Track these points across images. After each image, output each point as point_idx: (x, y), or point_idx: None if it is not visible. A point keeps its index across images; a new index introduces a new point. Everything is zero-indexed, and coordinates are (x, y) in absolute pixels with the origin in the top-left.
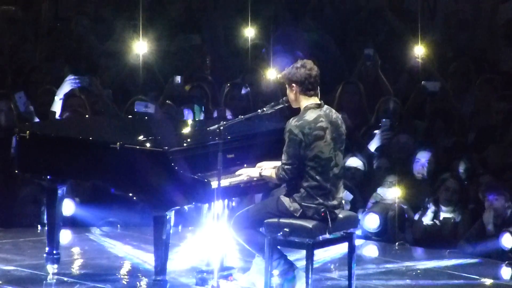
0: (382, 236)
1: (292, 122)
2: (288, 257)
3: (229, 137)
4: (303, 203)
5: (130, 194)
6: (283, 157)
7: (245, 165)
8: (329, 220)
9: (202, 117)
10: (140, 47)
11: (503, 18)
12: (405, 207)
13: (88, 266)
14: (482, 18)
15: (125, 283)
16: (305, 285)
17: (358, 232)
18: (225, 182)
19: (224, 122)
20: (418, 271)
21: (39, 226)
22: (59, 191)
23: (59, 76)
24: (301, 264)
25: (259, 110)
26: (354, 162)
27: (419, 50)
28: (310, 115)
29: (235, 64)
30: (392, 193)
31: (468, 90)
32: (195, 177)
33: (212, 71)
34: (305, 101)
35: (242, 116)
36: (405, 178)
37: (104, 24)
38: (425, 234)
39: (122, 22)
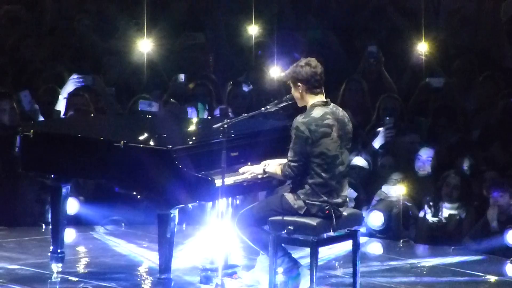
0: (386, 234)
1: (299, 119)
2: (293, 255)
3: (233, 135)
4: (307, 200)
5: (134, 193)
6: (289, 154)
7: (249, 163)
8: (334, 217)
9: (206, 115)
10: (144, 46)
11: (506, 15)
12: (409, 204)
13: (93, 264)
14: (485, 15)
15: (130, 281)
16: (310, 282)
17: (363, 229)
18: (229, 180)
19: (228, 120)
20: (423, 268)
21: (43, 225)
22: (63, 190)
23: (62, 75)
24: (306, 261)
25: (262, 108)
26: (359, 161)
27: (423, 47)
28: (317, 112)
29: (239, 62)
30: (396, 190)
31: (471, 87)
32: (199, 175)
33: (216, 69)
34: (312, 99)
35: (246, 114)
36: (410, 176)
37: (107, 22)
38: (429, 231)
39: (125, 20)
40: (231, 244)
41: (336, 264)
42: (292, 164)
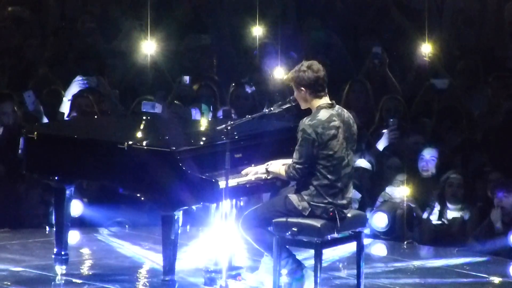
0: (390, 235)
1: (306, 122)
2: (297, 256)
3: (236, 137)
4: (312, 202)
5: (138, 194)
6: (295, 155)
7: (252, 165)
8: (338, 219)
9: (210, 116)
10: (148, 47)
11: (510, 15)
12: (413, 205)
13: (97, 266)
14: (489, 16)
15: (134, 283)
16: (314, 284)
17: (367, 231)
18: (233, 181)
19: (232, 122)
20: (427, 269)
21: (47, 227)
22: (67, 192)
23: (66, 76)
24: (310, 263)
25: (266, 110)
26: (362, 163)
27: (426, 48)
28: (323, 115)
29: (243, 64)
30: (400, 192)
31: (475, 88)
32: (203, 176)
33: (219, 70)
34: (317, 102)
35: (249, 116)
36: (414, 177)
37: (111, 24)
38: (433, 232)
39: (129, 21)
40: (235, 245)
41: (340, 266)
42: (297, 166)
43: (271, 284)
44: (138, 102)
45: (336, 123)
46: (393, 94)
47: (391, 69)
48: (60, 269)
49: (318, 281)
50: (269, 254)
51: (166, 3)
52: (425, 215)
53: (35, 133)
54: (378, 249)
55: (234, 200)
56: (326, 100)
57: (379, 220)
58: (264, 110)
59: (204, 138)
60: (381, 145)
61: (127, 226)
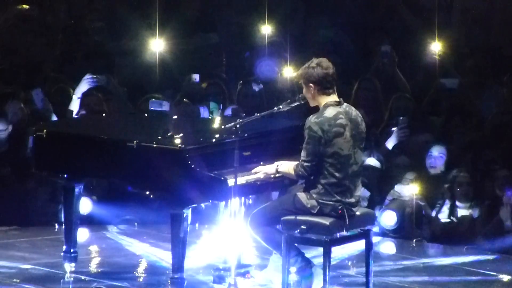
0: (399, 233)
1: (312, 119)
2: (305, 254)
3: (245, 135)
4: (320, 200)
5: (147, 192)
6: (303, 153)
7: (261, 163)
8: (346, 217)
9: (219, 114)
10: (157, 45)
11: None
12: (422, 203)
13: (105, 264)
14: (498, 15)
15: (142, 281)
16: (323, 282)
17: (375, 229)
18: (242, 179)
19: (241, 120)
20: (436, 267)
21: (56, 224)
22: (76, 190)
23: (75, 74)
24: (318, 261)
25: (275, 108)
26: (371, 161)
27: (436, 47)
28: (330, 112)
29: (252, 62)
30: (409, 190)
31: (484, 87)
32: (212, 175)
33: (228, 68)
34: (324, 99)
35: (258, 114)
36: (423, 175)
37: (119, 22)
38: (442, 230)
39: (137, 20)
40: (244, 243)
41: (349, 264)
42: (305, 164)
43: (280, 282)
44: (144, 100)
45: (343, 120)
46: (403, 93)
47: (400, 67)
48: (69, 266)
49: (327, 279)
50: (277, 252)
51: (175, 1)
52: (434, 213)
53: (45, 131)
54: (387, 247)
55: (242, 198)
56: (334, 97)
57: (388, 218)
58: (274, 108)
59: (213, 136)
60: (390, 143)
61: (136, 224)
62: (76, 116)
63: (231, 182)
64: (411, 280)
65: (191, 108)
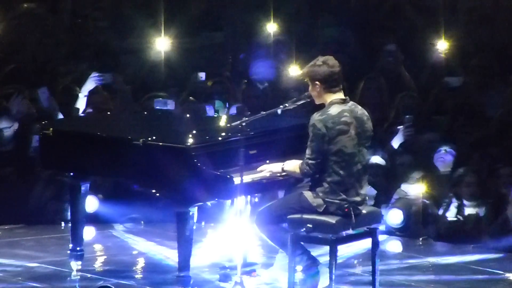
0: (405, 232)
1: (316, 117)
2: (311, 253)
3: (251, 133)
4: (326, 199)
5: (153, 191)
6: (307, 151)
7: (267, 161)
8: (353, 215)
9: (224, 112)
10: (162, 44)
11: None
12: (428, 202)
13: (112, 262)
14: (503, 14)
15: (148, 279)
16: (329, 280)
17: (382, 227)
18: (248, 178)
19: (247, 118)
20: (442, 266)
21: (62, 223)
22: (82, 188)
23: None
24: (324, 259)
25: (281, 106)
26: (376, 159)
27: (441, 45)
28: (334, 110)
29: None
30: (416, 189)
31: (490, 85)
32: (218, 173)
33: (234, 67)
34: (330, 97)
35: (264, 112)
36: (429, 174)
37: (125, 21)
38: (448, 229)
39: (143, 19)
40: (249, 242)
41: (355, 262)
42: (310, 161)
43: (285, 280)
44: (147, 98)
45: (347, 118)
46: (408, 92)
47: (406, 66)
48: (75, 265)
49: (333, 278)
50: (283, 251)
51: (180, 0)
52: (440, 212)
53: (51, 129)
54: (393, 245)
55: (248, 197)
56: (339, 95)
57: (394, 216)
58: (279, 107)
59: (218, 135)
60: (396, 142)
61: (142, 222)
62: (82, 114)
63: (237, 180)
64: (417, 279)
65: (196, 106)
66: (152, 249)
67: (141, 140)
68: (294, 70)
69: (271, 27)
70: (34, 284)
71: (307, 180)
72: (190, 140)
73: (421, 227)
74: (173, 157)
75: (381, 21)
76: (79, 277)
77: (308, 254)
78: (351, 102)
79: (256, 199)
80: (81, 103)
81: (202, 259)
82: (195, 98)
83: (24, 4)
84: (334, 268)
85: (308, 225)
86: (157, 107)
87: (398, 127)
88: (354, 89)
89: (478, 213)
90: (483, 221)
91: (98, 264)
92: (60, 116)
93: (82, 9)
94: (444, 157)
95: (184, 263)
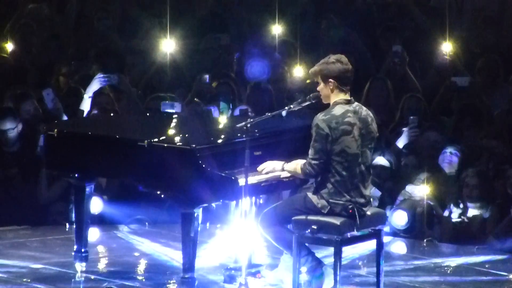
0: (410, 233)
1: (319, 117)
2: (316, 254)
3: (256, 134)
4: (330, 200)
5: (158, 192)
6: (310, 151)
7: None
8: (357, 217)
9: (229, 114)
10: (168, 45)
11: None
12: (433, 203)
13: (116, 263)
14: (508, 14)
15: (154, 280)
16: (333, 282)
17: (386, 229)
18: (253, 179)
19: (252, 119)
20: (447, 267)
21: (67, 224)
22: (87, 189)
23: (86, 74)
24: (329, 261)
25: (286, 107)
26: (381, 160)
27: (447, 47)
28: (338, 110)
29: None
30: (420, 190)
31: (495, 86)
32: (223, 174)
33: (239, 68)
34: (338, 97)
35: (269, 113)
36: (434, 175)
37: (131, 22)
38: (453, 230)
39: (149, 20)
40: (254, 243)
41: (360, 264)
42: (313, 162)
43: (290, 282)
44: (151, 99)
45: (351, 119)
46: (414, 93)
47: (411, 67)
48: (80, 266)
49: (338, 279)
50: (288, 252)
51: (186, 1)
52: (446, 213)
53: (56, 130)
54: (398, 247)
55: (253, 198)
56: (345, 96)
57: (399, 218)
58: (284, 108)
59: (223, 136)
60: (401, 143)
61: (146, 223)
62: (87, 116)
63: (241, 181)
64: (422, 280)
65: (201, 107)
66: (156, 250)
67: (146, 141)
68: (299, 71)
69: (276, 29)
70: (39, 285)
71: (312, 181)
72: (195, 141)
73: (425, 228)
74: (178, 159)
75: (387, 22)
76: (83, 278)
77: (312, 255)
78: (356, 103)
79: (261, 201)
80: (86, 104)
81: (207, 260)
82: (200, 100)
83: (30, 4)
84: (339, 269)
85: (313, 226)
86: (163, 110)
87: (403, 128)
88: (360, 90)
89: (482, 215)
90: (488, 222)
91: (102, 266)
92: (64, 118)
93: (88, 10)
94: (449, 158)
95: (188, 264)
